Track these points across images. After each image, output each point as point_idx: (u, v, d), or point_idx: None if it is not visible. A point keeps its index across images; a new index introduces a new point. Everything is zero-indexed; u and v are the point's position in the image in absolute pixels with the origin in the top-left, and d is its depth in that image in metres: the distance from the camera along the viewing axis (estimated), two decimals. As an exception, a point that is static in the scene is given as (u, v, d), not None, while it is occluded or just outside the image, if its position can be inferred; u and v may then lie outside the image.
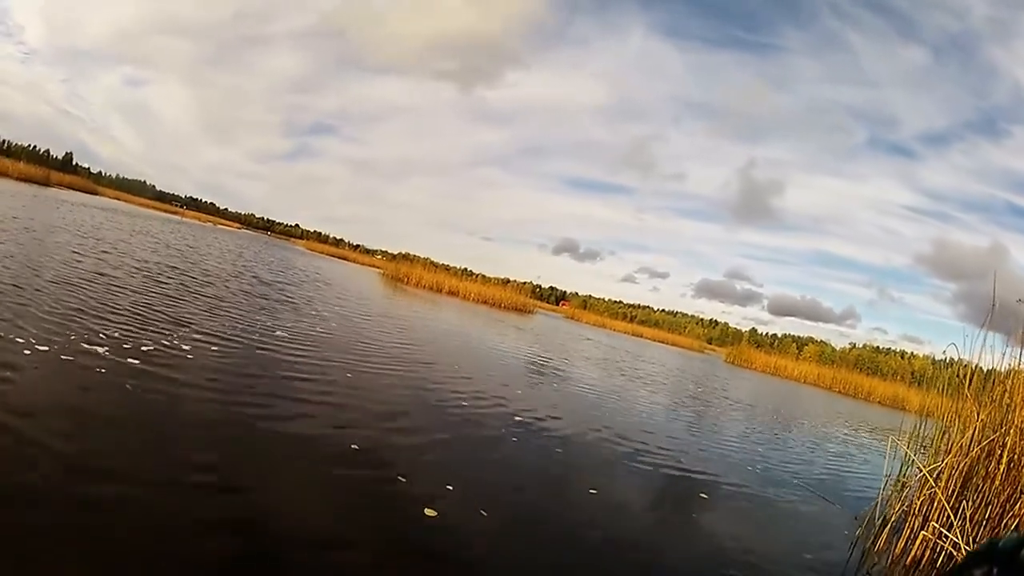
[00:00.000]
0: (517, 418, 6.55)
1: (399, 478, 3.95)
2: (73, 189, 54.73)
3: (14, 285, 6.72)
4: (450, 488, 3.99)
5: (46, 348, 4.81)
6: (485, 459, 4.91)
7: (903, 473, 5.42)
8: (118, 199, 65.75)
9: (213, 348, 6.23)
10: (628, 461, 5.99)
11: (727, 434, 9.52)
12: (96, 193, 62.10)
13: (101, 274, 9.11)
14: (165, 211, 69.84)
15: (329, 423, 4.76)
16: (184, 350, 5.83)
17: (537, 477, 4.83)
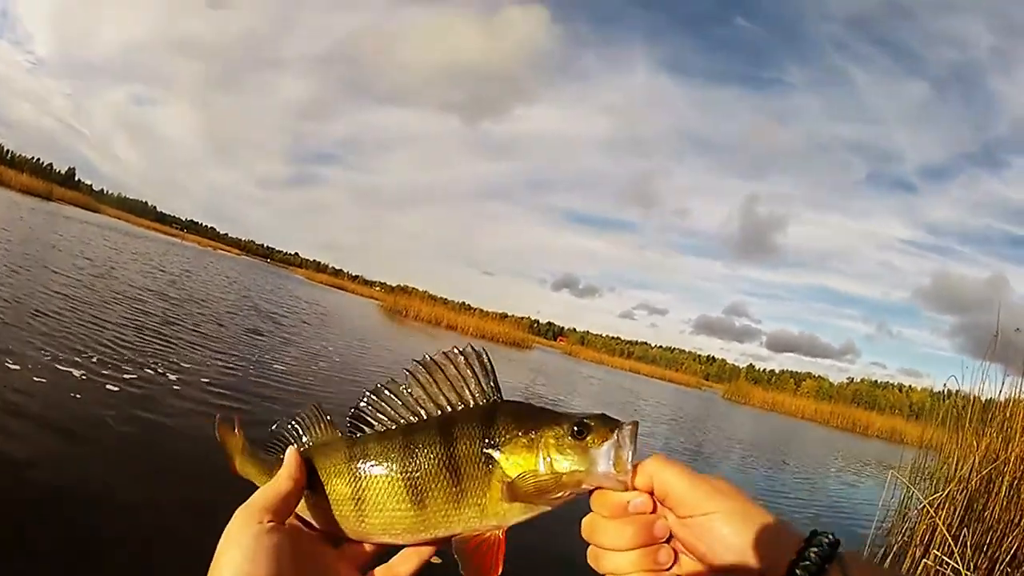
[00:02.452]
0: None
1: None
2: (75, 205, 54.62)
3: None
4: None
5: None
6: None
7: (903, 504, 5.39)
8: (119, 219, 65.50)
9: (203, 380, 6.11)
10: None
11: (721, 468, 9.47)
12: (97, 211, 62.02)
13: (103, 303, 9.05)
14: (165, 233, 69.75)
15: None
16: (170, 379, 5.72)
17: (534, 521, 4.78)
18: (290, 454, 0.85)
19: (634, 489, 0.74)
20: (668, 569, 0.72)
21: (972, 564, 4.15)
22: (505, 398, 0.85)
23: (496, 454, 0.79)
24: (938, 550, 4.41)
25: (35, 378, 4.65)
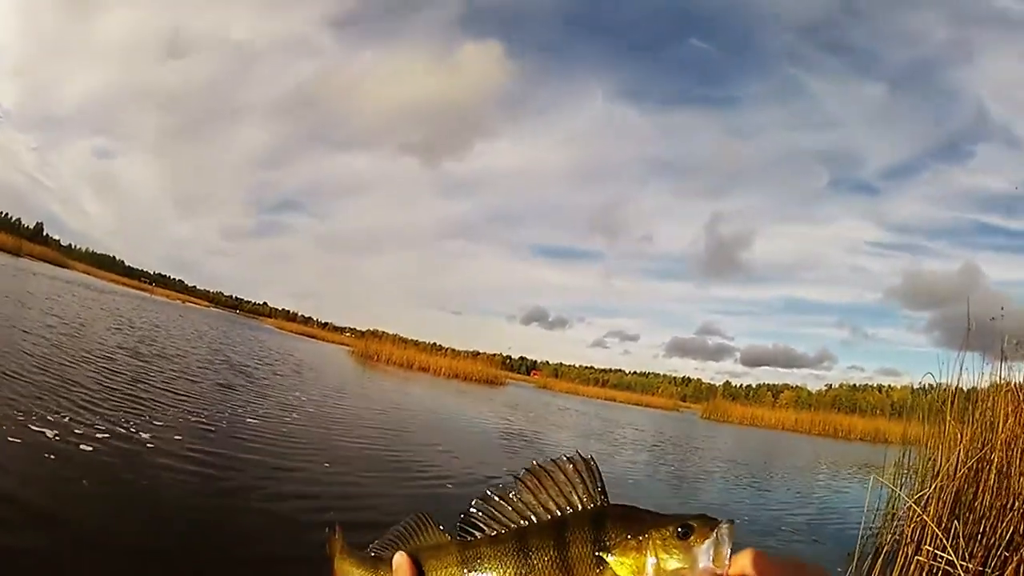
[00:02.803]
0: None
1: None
2: (44, 261, 53.62)
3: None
4: None
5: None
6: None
7: (891, 504, 5.42)
8: (88, 273, 64.26)
9: (176, 438, 5.96)
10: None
11: (707, 490, 9.48)
12: (66, 266, 60.81)
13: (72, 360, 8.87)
14: (134, 287, 68.45)
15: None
16: (143, 438, 5.58)
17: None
18: (400, 558, 0.90)
19: None
20: None
21: (967, 554, 4.17)
22: (611, 502, 0.88)
23: (608, 556, 0.83)
24: (930, 545, 4.42)
25: (9, 438, 4.54)
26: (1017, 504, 4.12)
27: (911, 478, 5.47)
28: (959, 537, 4.25)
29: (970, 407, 5.09)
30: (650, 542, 0.82)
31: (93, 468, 4.47)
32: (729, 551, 0.79)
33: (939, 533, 4.37)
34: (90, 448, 4.88)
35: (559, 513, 0.88)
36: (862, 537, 5.29)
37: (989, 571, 4.08)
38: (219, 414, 7.61)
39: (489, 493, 0.92)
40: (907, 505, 5.04)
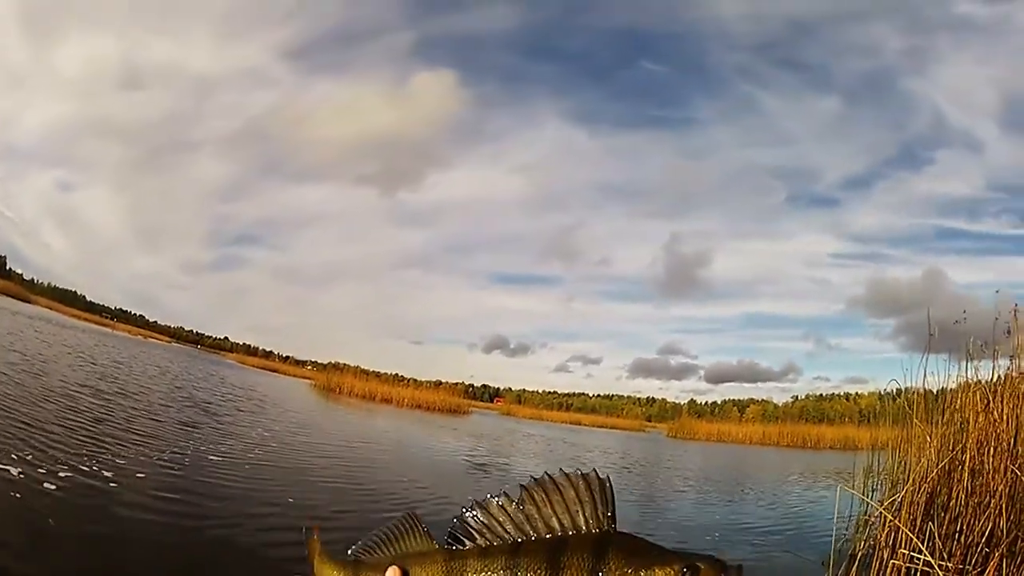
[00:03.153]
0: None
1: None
2: (7, 295, 52.27)
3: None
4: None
5: None
6: None
7: (863, 510, 5.43)
8: (50, 308, 62.67)
9: (139, 476, 5.74)
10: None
11: (677, 508, 9.45)
12: (29, 301, 59.29)
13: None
14: (96, 323, 66.73)
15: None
16: (106, 477, 5.39)
17: None
18: (392, 572, 0.85)
19: None
20: None
21: (945, 554, 4.18)
22: (619, 530, 0.84)
23: None
24: (905, 548, 4.42)
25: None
26: (994, 501, 4.15)
27: (883, 482, 5.50)
28: (935, 538, 4.27)
29: (938, 409, 5.16)
30: None
31: (59, 507, 4.35)
32: None
33: (912, 536, 4.38)
34: (54, 487, 4.74)
35: (560, 532, 0.83)
36: (836, 544, 5.29)
37: (970, 568, 4.09)
38: (181, 452, 7.36)
39: (488, 499, 0.87)
40: (877, 513, 5.06)
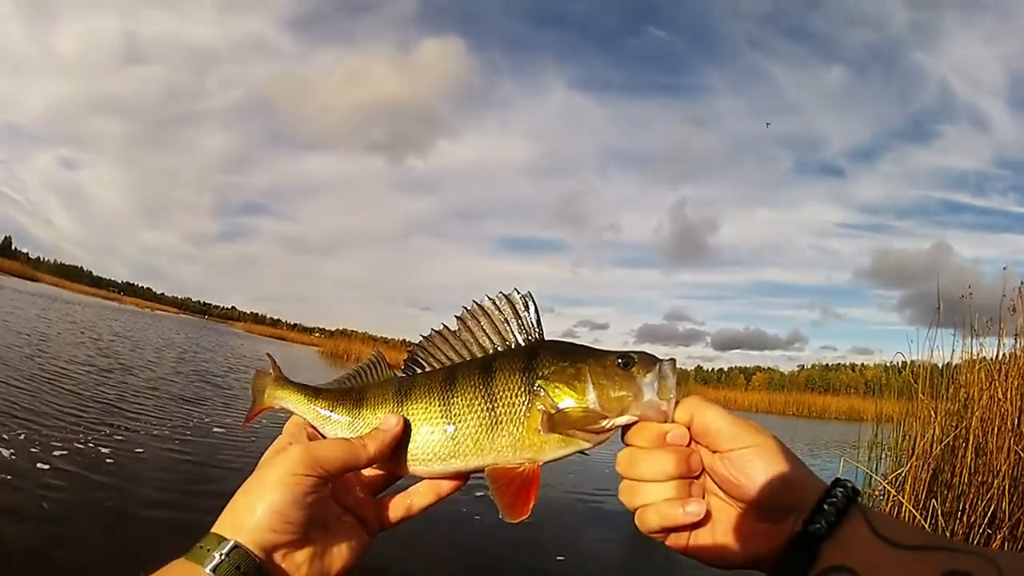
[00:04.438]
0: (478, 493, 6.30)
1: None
2: (12, 275, 52.86)
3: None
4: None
5: None
6: (455, 542, 4.73)
7: (867, 484, 5.36)
8: (56, 285, 63.46)
9: (138, 450, 5.76)
10: (589, 521, 5.93)
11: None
12: (36, 279, 60.16)
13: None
14: (103, 297, 67.47)
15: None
16: (103, 453, 5.39)
17: (501, 549, 4.68)
18: (394, 418, 0.86)
19: (673, 422, 0.78)
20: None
21: (947, 532, 4.12)
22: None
23: (541, 383, 0.83)
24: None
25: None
26: (997, 482, 4.07)
27: (887, 456, 5.42)
28: (938, 516, 4.20)
29: (944, 384, 5.06)
30: (589, 370, 0.82)
31: (50, 483, 4.38)
32: (674, 386, 0.77)
33: (916, 513, 4.32)
34: (47, 467, 4.73)
35: (496, 349, 0.90)
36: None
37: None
38: (184, 425, 7.42)
39: (433, 331, 0.93)
40: (880, 487, 5.01)
